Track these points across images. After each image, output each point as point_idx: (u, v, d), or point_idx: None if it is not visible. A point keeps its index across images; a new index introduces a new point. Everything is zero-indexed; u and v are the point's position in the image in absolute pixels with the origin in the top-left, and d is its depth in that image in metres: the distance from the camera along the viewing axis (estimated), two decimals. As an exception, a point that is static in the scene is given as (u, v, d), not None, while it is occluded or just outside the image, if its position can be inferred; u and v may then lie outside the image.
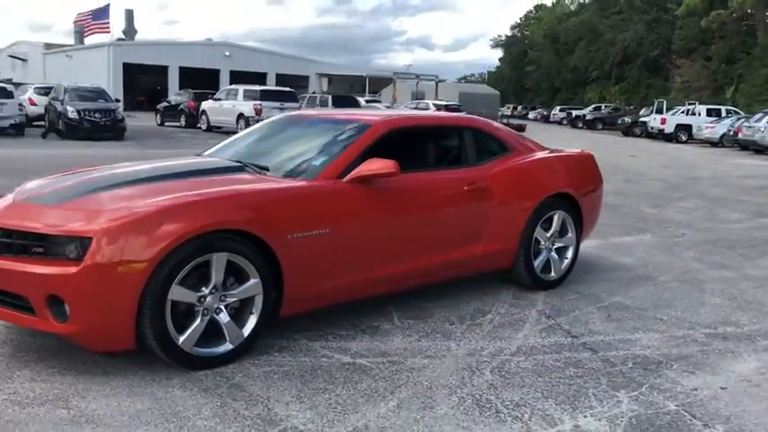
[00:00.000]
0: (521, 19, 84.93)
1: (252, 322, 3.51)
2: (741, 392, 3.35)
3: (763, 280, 5.58)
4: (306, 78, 48.55)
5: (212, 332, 3.41)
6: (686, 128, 29.65)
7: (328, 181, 3.84)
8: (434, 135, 4.87)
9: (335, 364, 3.53)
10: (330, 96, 26.62)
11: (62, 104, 18.95)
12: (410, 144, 4.66)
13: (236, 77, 40.19)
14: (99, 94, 20.46)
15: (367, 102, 30.96)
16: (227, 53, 45.24)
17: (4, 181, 4.23)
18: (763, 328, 4.34)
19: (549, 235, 5.00)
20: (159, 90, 43.06)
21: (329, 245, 3.73)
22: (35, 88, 24.64)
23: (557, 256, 5.08)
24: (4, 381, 3.20)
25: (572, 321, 4.36)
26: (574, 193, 5.10)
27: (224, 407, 3.01)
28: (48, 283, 3.10)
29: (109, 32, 46.75)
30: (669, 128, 30.09)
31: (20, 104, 19.19)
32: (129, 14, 49.87)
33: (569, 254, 5.17)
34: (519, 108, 63.13)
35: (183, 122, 27.00)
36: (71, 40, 50.64)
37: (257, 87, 25.23)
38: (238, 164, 4.13)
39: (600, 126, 41.84)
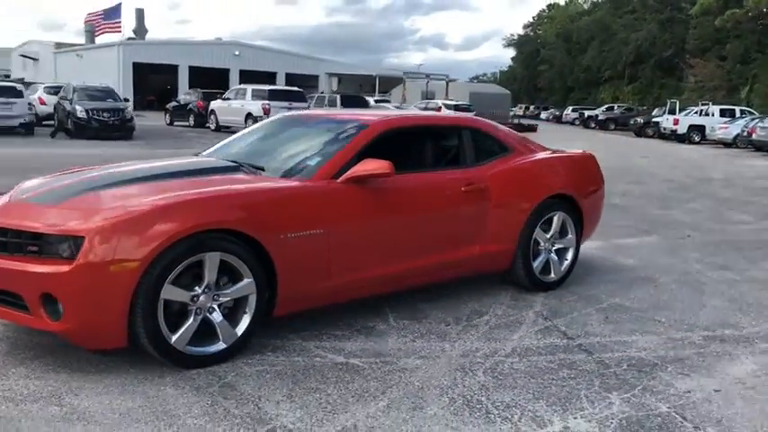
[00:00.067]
0: (533, 18, 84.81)
1: (245, 322, 3.53)
2: (735, 395, 3.33)
3: (766, 282, 5.53)
4: (315, 78, 48.65)
5: (206, 331, 3.43)
6: (699, 128, 29.42)
7: (323, 181, 3.84)
8: (432, 135, 4.86)
9: (328, 364, 3.53)
10: (339, 96, 26.66)
11: (71, 104, 19.10)
12: (407, 144, 4.66)
13: (246, 77, 40.34)
14: (108, 93, 20.59)
15: (376, 101, 30.98)
16: (237, 52, 45.39)
17: (11, 180, 4.27)
18: (762, 331, 4.30)
19: (548, 236, 4.98)
20: (169, 89, 43.26)
21: (324, 245, 3.74)
22: (45, 87, 24.85)
23: (556, 258, 5.06)
24: (0, 378, 3.23)
25: (569, 323, 4.34)
26: (574, 195, 5.07)
27: (214, 405, 3.03)
28: (41, 281, 3.13)
29: (120, 32, 47.15)
30: (682, 128, 29.85)
31: (29, 104, 19.36)
32: (140, 14, 50.16)
33: (569, 255, 5.15)
34: (531, 108, 62.96)
35: (191, 122, 27.13)
36: (82, 40, 50.98)
37: (266, 87, 25.30)
38: (234, 164, 4.15)
39: (612, 126, 41.64)
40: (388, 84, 47.05)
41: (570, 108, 53.71)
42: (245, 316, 3.53)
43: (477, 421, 2.98)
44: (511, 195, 4.70)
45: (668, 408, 3.15)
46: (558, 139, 27.90)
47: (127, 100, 22.27)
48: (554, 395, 3.26)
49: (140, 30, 49.84)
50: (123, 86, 38.56)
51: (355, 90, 44.01)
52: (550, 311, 4.56)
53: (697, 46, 47.85)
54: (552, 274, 5.03)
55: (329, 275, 3.81)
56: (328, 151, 4.08)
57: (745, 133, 24.81)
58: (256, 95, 23.82)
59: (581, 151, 5.72)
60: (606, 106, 48.34)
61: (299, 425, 2.88)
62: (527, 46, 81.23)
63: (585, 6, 74.69)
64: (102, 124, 18.78)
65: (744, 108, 31.38)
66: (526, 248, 4.80)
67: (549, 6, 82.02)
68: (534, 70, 76.03)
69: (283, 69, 46.79)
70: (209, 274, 3.36)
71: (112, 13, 47.13)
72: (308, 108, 22.60)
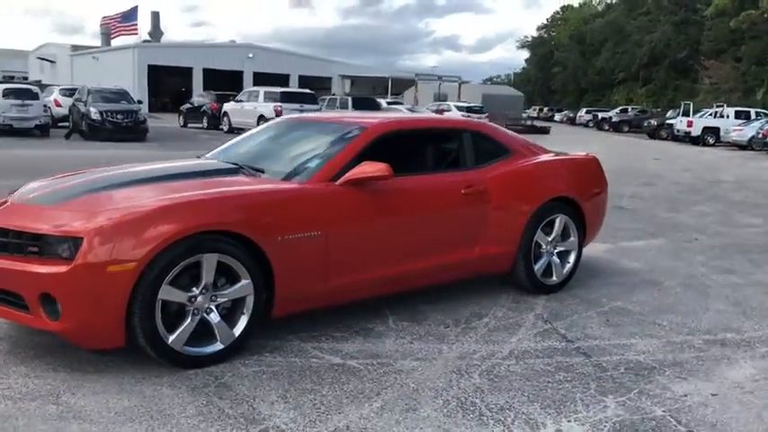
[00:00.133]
0: (547, 20, 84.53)
1: (243, 322, 3.56)
2: (732, 399, 3.31)
3: (772, 286, 5.49)
4: (329, 80, 48.75)
5: (203, 332, 3.46)
6: (713, 130, 29.15)
7: (321, 184, 3.87)
8: (432, 138, 4.87)
9: (325, 365, 3.55)
10: (350, 98, 26.71)
11: (85, 106, 19.29)
12: (407, 147, 4.67)
13: (260, 79, 40.46)
14: (121, 95, 20.79)
15: (388, 104, 30.96)
16: (251, 55, 45.57)
17: (23, 181, 4.33)
18: (764, 335, 4.27)
19: (550, 239, 4.97)
20: (184, 92, 43.52)
21: (321, 247, 3.76)
22: (61, 89, 25.12)
23: (558, 261, 5.05)
24: (0, 376, 3.28)
25: (569, 326, 4.33)
26: (576, 197, 5.06)
27: (209, 405, 3.06)
28: (41, 281, 3.18)
29: (137, 34, 47.50)
30: (696, 131, 29.60)
31: (45, 106, 19.59)
32: (155, 16, 50.58)
33: (572, 258, 5.14)
34: (545, 110, 62.71)
35: (205, 124, 27.29)
36: (99, 43, 51.43)
37: (277, 89, 25.40)
38: (234, 166, 4.19)
39: (626, 129, 41.34)
40: (400, 86, 47.08)
41: (584, 110, 53.43)
42: (243, 317, 3.55)
43: (470, 423, 2.98)
44: (511, 198, 4.70)
45: (663, 411, 3.14)
46: (570, 141, 27.83)
47: (140, 102, 22.43)
48: (549, 398, 3.26)
49: (156, 32, 50.23)
50: (138, 89, 38.84)
51: (368, 92, 44.05)
52: (551, 314, 4.55)
53: (712, 47, 47.48)
54: (554, 277, 5.02)
55: (327, 277, 3.83)
56: (327, 154, 4.10)
57: (760, 135, 24.59)
58: (268, 97, 23.93)
59: (584, 154, 5.70)
60: (620, 108, 48.00)
61: (292, 425, 2.90)
62: (541, 48, 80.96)
63: (599, 8, 74.39)
64: (116, 126, 18.96)
65: (759, 110, 31.06)
66: (527, 251, 4.80)
67: (563, 8, 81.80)
68: (548, 72, 75.77)
69: (296, 71, 46.93)
70: (207, 276, 3.39)
71: (129, 16, 47.53)
72: (320, 110, 22.69)
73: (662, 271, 5.86)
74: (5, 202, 3.82)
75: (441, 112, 27.94)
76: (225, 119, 25.75)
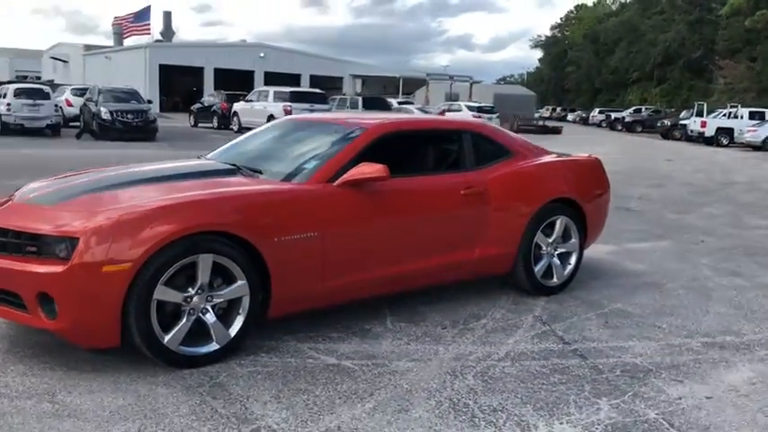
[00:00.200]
0: (561, 19, 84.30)
1: (239, 323, 3.58)
2: (727, 402, 3.29)
3: (776, 288, 5.44)
4: (340, 79, 48.81)
5: (199, 332, 3.48)
6: (727, 131, 28.94)
7: (319, 184, 3.88)
8: (431, 139, 4.88)
9: (320, 366, 3.57)
10: (360, 98, 26.74)
11: (96, 105, 19.45)
12: (406, 148, 4.68)
13: (271, 79, 40.59)
14: (132, 95, 20.94)
15: (399, 104, 30.98)
16: (262, 54, 45.70)
17: (31, 181, 4.38)
18: (764, 338, 4.24)
19: (550, 240, 4.96)
20: (195, 91, 43.75)
21: (318, 248, 3.77)
22: (72, 89, 25.34)
23: (559, 262, 5.03)
24: (-2, 374, 3.33)
25: (567, 328, 4.32)
26: (577, 199, 5.04)
27: (202, 405, 3.08)
28: (38, 281, 3.22)
29: (149, 34, 47.83)
30: (709, 131, 29.39)
31: (56, 105, 19.76)
32: (167, 16, 50.90)
33: (572, 260, 5.12)
34: (558, 110, 62.47)
35: (215, 124, 27.44)
36: (112, 43, 51.80)
37: (287, 89, 25.47)
38: (233, 167, 4.21)
39: (639, 129, 41.11)
40: (412, 85, 47.04)
41: (597, 110, 53.19)
42: (239, 317, 3.57)
43: (462, 425, 2.99)
44: (511, 199, 4.70)
45: (656, 414, 3.13)
46: (582, 141, 27.72)
47: (150, 102, 22.57)
48: (542, 400, 3.26)
49: (167, 32, 50.56)
50: (150, 88, 39.09)
51: (379, 92, 44.06)
52: (550, 316, 4.54)
53: (727, 47, 47.12)
54: (555, 279, 5.01)
55: (324, 278, 3.84)
56: (325, 155, 4.12)
57: (774, 136, 24.37)
58: (278, 97, 24.01)
59: (586, 155, 5.68)
60: (633, 108, 47.76)
61: (284, 425, 2.92)
62: (554, 47, 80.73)
63: (613, 7, 74.05)
64: (126, 125, 19.11)
65: (774, 110, 30.77)
66: (527, 252, 4.79)
67: (577, 7, 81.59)
68: (561, 72, 75.50)
69: (308, 71, 47.04)
70: (203, 276, 3.41)
71: (142, 16, 47.88)
72: (330, 110, 22.72)
73: (665, 273, 5.83)
74: (8, 201, 3.87)
75: (443, 112, 27.83)
76: (235, 119, 25.85)
